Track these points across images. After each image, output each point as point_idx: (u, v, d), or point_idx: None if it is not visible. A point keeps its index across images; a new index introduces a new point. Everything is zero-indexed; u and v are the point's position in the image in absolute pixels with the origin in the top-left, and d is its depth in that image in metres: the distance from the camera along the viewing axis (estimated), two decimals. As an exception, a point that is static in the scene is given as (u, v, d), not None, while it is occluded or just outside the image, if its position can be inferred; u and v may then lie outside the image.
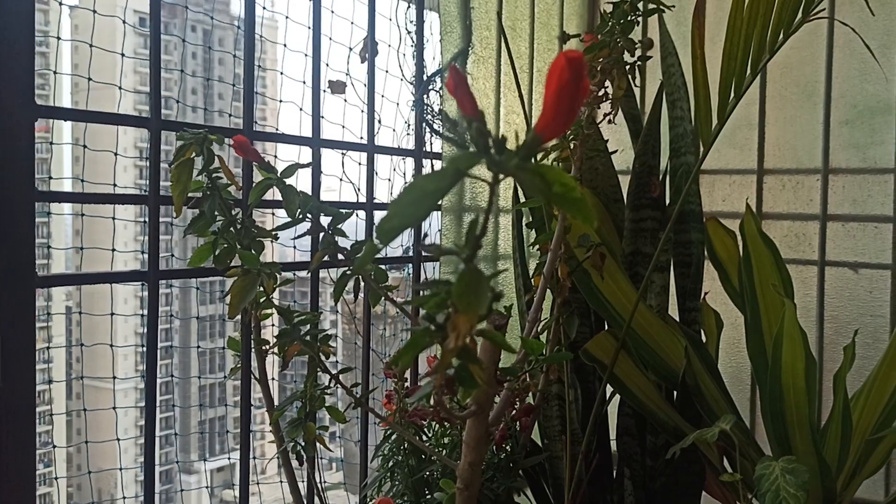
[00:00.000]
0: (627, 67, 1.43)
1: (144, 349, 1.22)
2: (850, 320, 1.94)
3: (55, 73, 1.39)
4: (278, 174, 1.08)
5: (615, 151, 1.67)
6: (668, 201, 1.78)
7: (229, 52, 1.41)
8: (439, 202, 0.51)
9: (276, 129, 1.50)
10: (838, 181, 1.95)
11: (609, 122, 1.39)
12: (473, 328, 0.54)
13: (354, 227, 1.70)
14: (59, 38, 1.36)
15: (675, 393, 1.68)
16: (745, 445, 1.67)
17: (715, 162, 2.11)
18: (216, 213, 1.14)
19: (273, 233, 1.17)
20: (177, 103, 1.40)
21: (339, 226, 1.06)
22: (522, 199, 1.76)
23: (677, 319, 1.78)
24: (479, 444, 1.00)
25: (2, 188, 0.99)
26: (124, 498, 1.67)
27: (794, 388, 1.52)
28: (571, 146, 1.33)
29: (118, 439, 1.80)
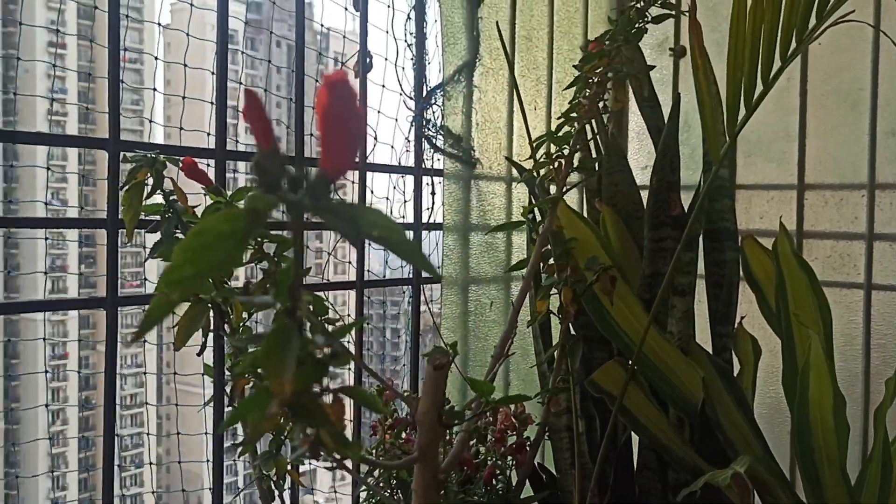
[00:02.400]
0: (632, 80, 1.33)
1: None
2: (900, 348, 1.78)
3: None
4: (227, 199, 1.03)
5: (585, 171, 1.56)
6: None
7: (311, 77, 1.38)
8: (241, 246, 0.44)
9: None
10: (886, 197, 1.79)
11: (611, 136, 1.29)
12: (290, 391, 0.46)
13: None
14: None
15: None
16: (774, 486, 1.55)
17: (752, 177, 1.98)
18: (179, 236, 1.10)
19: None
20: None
21: (285, 253, 1.00)
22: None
23: (710, 347, 1.66)
24: (428, 491, 0.92)
25: (-59, 214, 0.97)
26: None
27: (823, 424, 1.40)
28: (556, 164, 1.23)
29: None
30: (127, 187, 1.03)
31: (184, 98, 1.32)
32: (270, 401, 0.51)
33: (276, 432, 1.21)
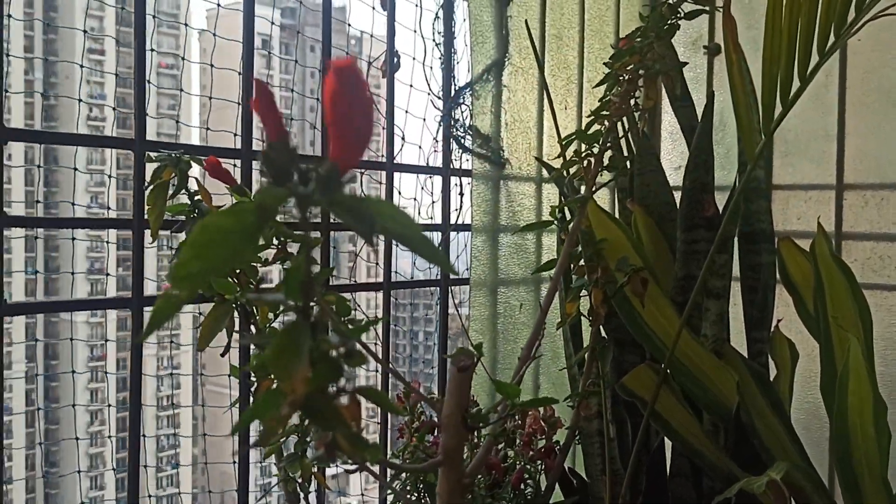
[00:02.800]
0: (664, 77, 1.30)
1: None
2: (944, 354, 1.72)
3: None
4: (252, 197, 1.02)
5: (616, 170, 1.53)
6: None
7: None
8: (250, 242, 0.42)
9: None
10: (929, 197, 1.74)
11: (643, 135, 1.26)
12: (303, 392, 0.45)
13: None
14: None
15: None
16: (811, 494, 1.50)
17: (789, 177, 1.93)
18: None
19: (262, 257, 1.11)
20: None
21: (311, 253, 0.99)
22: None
23: (745, 351, 1.62)
24: (452, 495, 0.90)
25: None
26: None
27: (863, 433, 1.36)
28: (585, 163, 1.21)
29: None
30: (151, 187, 1.03)
31: (210, 98, 1.32)
32: (283, 401, 0.50)
33: (300, 434, 1.20)
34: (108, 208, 1.19)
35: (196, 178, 1.05)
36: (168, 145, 1.12)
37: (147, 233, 1.10)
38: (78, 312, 1.29)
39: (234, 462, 1.39)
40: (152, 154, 1.02)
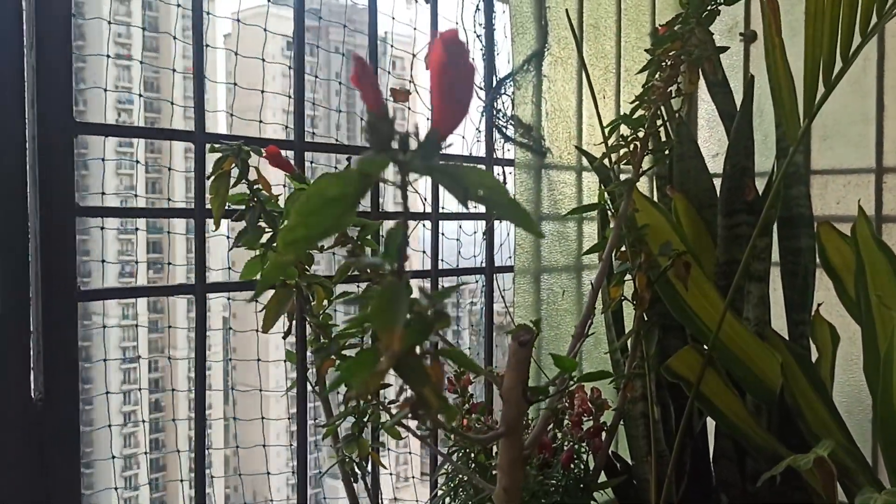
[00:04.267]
0: (706, 62, 1.32)
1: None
2: None
3: (196, 107, 1.46)
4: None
5: (657, 156, 1.55)
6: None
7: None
8: (350, 210, 0.46)
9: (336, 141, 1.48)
10: (969, 178, 1.74)
11: (679, 118, 1.28)
12: (399, 348, 0.48)
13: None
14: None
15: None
16: (856, 473, 1.51)
17: (828, 161, 1.94)
18: (263, 225, 1.14)
19: (320, 245, 1.15)
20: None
21: (368, 236, 1.03)
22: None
23: (786, 334, 1.64)
24: (513, 467, 0.93)
25: (43, 204, 1.02)
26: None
27: (909, 412, 1.37)
28: (631, 147, 1.23)
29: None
30: (213, 177, 1.07)
31: (235, 85, 1.37)
32: (376, 360, 0.53)
33: (357, 415, 1.23)
34: (169, 199, 1.24)
35: (256, 168, 1.09)
36: (227, 137, 1.16)
37: (209, 221, 1.14)
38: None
39: (291, 445, 1.43)
40: (216, 146, 1.06)
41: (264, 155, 1.07)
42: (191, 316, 1.27)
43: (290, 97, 1.26)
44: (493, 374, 0.91)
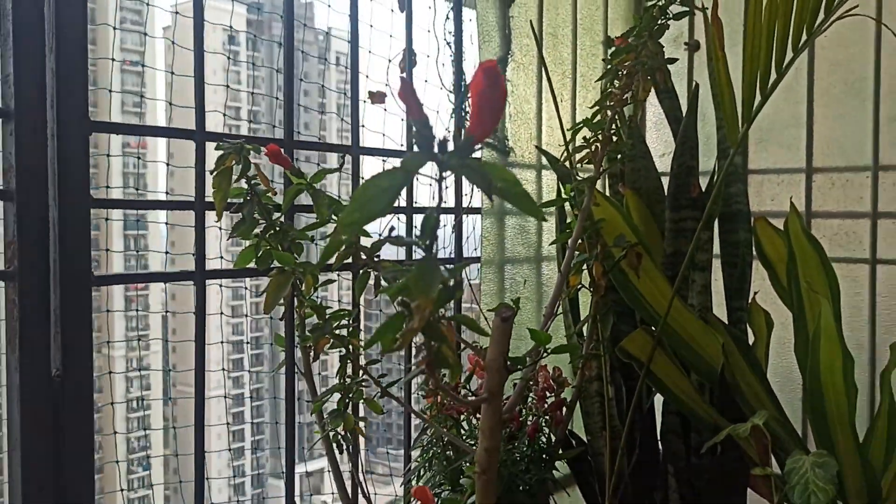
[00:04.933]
0: (657, 72, 1.46)
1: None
2: (903, 319, 1.91)
3: (142, 96, 1.53)
4: (307, 180, 1.16)
5: (612, 155, 1.69)
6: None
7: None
8: (396, 197, 0.57)
9: (318, 139, 1.59)
10: (889, 178, 1.93)
11: (631, 122, 1.42)
12: (430, 311, 0.60)
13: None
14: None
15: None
16: (787, 442, 1.67)
17: (763, 161, 2.11)
18: (257, 217, 1.24)
19: (310, 235, 1.25)
20: (224, 117, 1.51)
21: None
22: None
23: (726, 319, 1.79)
24: (494, 430, 1.05)
25: (61, 196, 1.11)
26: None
27: (833, 386, 1.52)
28: (593, 148, 1.37)
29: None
30: (216, 173, 1.17)
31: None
32: (401, 324, 0.65)
33: (344, 391, 1.34)
34: (167, 192, 1.32)
35: (256, 164, 1.19)
36: (228, 136, 1.26)
37: (206, 213, 1.24)
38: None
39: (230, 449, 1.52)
40: (221, 143, 1.16)
41: (265, 152, 1.18)
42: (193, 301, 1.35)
43: (227, 87, 1.35)
44: (477, 347, 1.03)
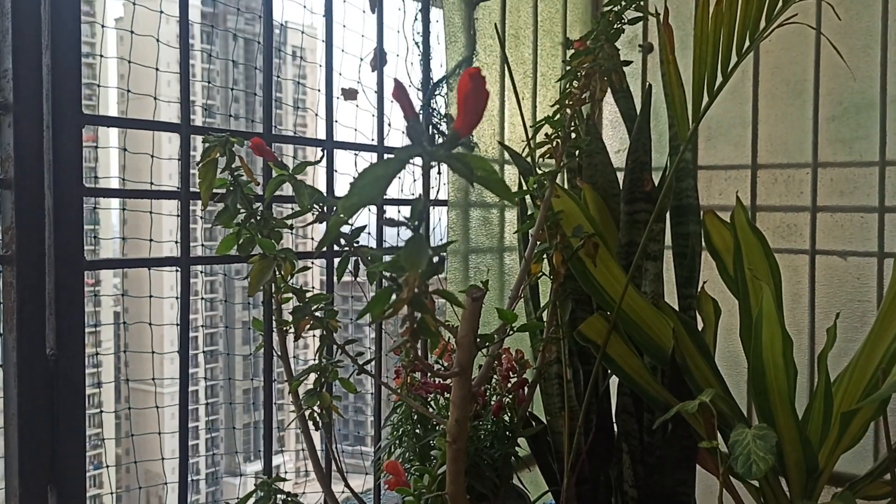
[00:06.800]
0: (614, 73, 1.56)
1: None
2: (840, 305, 2.04)
3: (99, 85, 1.58)
4: (290, 172, 1.24)
5: (570, 151, 1.79)
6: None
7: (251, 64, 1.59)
8: (389, 184, 0.66)
9: (294, 133, 1.67)
10: (826, 174, 2.06)
11: (588, 119, 1.52)
12: (419, 282, 0.68)
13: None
14: (101, 56, 1.54)
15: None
16: (732, 419, 1.79)
17: (711, 158, 2.24)
18: (238, 206, 1.31)
19: (289, 223, 1.33)
20: (204, 109, 1.58)
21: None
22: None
23: (677, 306, 1.90)
24: (464, 402, 1.14)
25: (55, 185, 1.17)
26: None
27: (774, 365, 1.63)
28: (555, 144, 1.47)
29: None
30: (202, 164, 1.24)
31: (130, 63, 1.51)
32: (389, 297, 0.74)
33: (320, 372, 1.42)
34: (151, 182, 1.39)
35: (240, 157, 1.26)
36: (212, 129, 1.33)
37: (189, 202, 1.31)
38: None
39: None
40: (207, 136, 1.23)
41: (249, 146, 1.25)
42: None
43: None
44: (449, 325, 1.12)
